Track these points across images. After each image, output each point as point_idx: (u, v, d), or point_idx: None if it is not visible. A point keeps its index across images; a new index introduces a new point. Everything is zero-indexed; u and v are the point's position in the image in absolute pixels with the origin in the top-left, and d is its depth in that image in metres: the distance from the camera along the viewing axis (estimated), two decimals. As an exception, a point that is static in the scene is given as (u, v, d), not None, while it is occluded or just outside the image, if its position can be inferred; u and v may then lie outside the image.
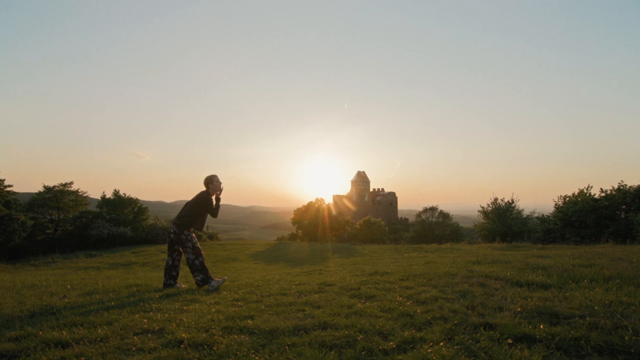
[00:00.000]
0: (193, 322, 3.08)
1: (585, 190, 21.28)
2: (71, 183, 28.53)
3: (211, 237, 33.69)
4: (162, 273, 7.40)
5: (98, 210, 28.67)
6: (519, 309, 2.96)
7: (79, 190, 29.13)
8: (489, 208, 22.80)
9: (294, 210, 38.62)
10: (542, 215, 23.35)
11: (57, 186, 27.92)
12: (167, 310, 3.63)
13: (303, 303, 3.71)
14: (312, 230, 34.65)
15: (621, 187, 19.38)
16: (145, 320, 3.17)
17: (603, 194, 19.90)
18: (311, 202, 38.24)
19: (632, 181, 23.55)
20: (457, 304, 3.28)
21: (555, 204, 22.33)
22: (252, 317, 3.25)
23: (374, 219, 37.25)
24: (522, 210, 22.64)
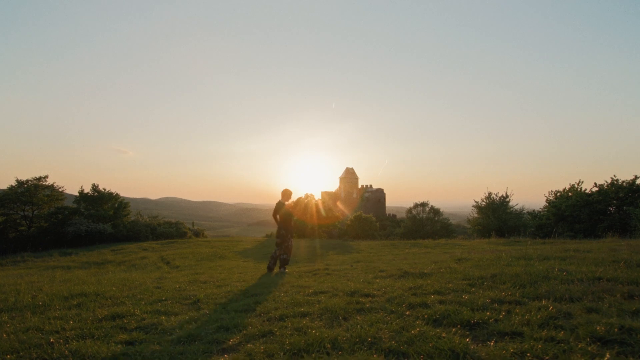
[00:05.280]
0: None
1: (576, 185, 21.28)
2: (46, 177, 26.96)
3: (197, 234, 32.51)
4: (134, 274, 7.47)
5: (75, 206, 27.18)
6: None
7: (55, 185, 27.53)
8: (483, 203, 22.53)
9: (284, 206, 37.76)
10: (533, 210, 23.29)
11: (31, 180, 26.28)
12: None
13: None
14: (301, 226, 33.88)
15: (614, 182, 19.41)
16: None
17: (596, 189, 19.89)
18: (300, 197, 37.45)
19: (623, 176, 23.78)
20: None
21: (547, 199, 22.28)
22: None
23: (365, 214, 36.78)
24: (516, 205, 22.49)
